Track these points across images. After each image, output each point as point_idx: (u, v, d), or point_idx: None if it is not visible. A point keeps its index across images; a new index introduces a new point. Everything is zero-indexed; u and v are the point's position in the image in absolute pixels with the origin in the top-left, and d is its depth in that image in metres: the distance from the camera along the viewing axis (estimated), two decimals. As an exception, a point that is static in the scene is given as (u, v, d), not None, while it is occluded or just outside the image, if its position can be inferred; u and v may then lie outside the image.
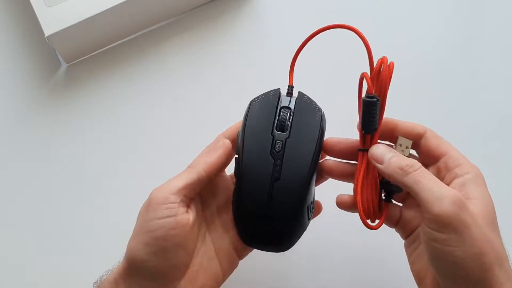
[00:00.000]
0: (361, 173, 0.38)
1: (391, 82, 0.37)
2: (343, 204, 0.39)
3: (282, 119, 0.38)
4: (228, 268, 0.40)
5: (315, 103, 0.39)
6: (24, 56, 0.54)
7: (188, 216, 0.36)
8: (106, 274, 0.37)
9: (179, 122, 0.52)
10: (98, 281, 0.37)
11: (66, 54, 0.52)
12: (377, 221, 0.38)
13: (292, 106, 0.39)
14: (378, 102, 0.37)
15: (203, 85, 0.53)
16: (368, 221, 0.38)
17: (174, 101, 0.52)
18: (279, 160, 0.37)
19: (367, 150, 0.38)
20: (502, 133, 0.51)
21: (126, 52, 0.54)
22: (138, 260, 0.34)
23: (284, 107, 0.39)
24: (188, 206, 0.37)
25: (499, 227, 0.35)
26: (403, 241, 0.39)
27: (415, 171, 0.34)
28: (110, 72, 0.53)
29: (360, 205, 0.37)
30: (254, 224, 0.38)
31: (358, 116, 0.38)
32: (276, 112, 0.39)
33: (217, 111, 0.52)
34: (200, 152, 0.39)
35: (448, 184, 0.35)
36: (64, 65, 0.54)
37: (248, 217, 0.38)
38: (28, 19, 0.54)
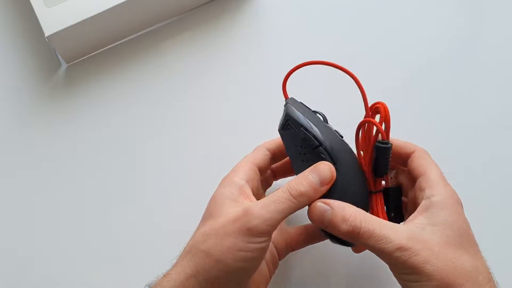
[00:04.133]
0: (380, 215, 0.39)
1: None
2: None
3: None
4: (273, 268, 0.41)
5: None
6: (24, 56, 0.54)
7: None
8: (156, 280, 0.36)
9: (180, 122, 0.52)
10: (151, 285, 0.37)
11: (66, 54, 0.52)
12: None
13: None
14: (391, 147, 0.38)
15: (203, 85, 0.53)
16: None
17: (175, 101, 0.52)
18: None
19: (378, 192, 0.40)
20: (502, 133, 0.51)
21: (126, 52, 0.54)
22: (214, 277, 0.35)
23: (313, 111, 0.41)
24: None
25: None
26: None
27: (358, 234, 0.35)
28: (110, 72, 0.53)
29: None
30: None
31: (358, 157, 0.40)
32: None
33: (217, 110, 0.52)
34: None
35: (417, 205, 0.37)
36: (64, 65, 0.54)
37: None
38: (28, 19, 0.54)
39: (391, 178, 0.41)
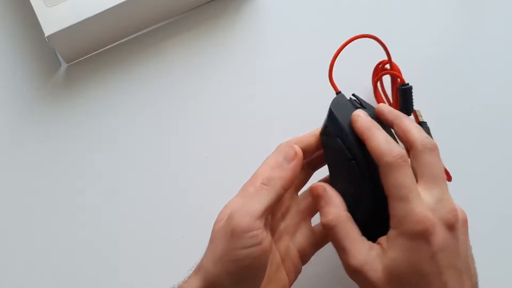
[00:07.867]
0: None
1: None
2: None
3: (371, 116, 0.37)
4: (293, 275, 0.39)
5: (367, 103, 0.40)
6: (24, 56, 0.54)
7: (269, 238, 0.34)
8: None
9: (181, 122, 0.52)
10: None
11: (66, 54, 0.52)
12: None
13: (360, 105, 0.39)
14: (412, 87, 0.45)
15: (204, 84, 0.53)
16: None
17: (175, 101, 0.52)
18: None
19: None
20: (501, 132, 0.51)
21: (126, 52, 0.54)
22: (220, 286, 0.33)
23: (360, 106, 0.39)
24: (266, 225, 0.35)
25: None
26: None
27: (330, 232, 0.35)
28: (110, 72, 0.53)
29: None
30: (377, 225, 0.35)
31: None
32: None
33: (217, 110, 0.52)
34: (264, 163, 0.38)
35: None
36: (64, 65, 0.54)
37: (373, 219, 0.36)
38: (28, 19, 0.54)
39: (420, 116, 0.46)
